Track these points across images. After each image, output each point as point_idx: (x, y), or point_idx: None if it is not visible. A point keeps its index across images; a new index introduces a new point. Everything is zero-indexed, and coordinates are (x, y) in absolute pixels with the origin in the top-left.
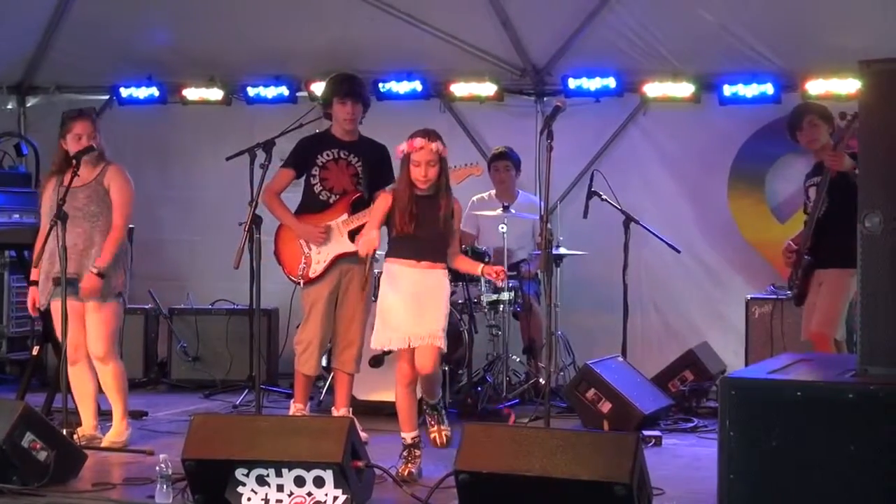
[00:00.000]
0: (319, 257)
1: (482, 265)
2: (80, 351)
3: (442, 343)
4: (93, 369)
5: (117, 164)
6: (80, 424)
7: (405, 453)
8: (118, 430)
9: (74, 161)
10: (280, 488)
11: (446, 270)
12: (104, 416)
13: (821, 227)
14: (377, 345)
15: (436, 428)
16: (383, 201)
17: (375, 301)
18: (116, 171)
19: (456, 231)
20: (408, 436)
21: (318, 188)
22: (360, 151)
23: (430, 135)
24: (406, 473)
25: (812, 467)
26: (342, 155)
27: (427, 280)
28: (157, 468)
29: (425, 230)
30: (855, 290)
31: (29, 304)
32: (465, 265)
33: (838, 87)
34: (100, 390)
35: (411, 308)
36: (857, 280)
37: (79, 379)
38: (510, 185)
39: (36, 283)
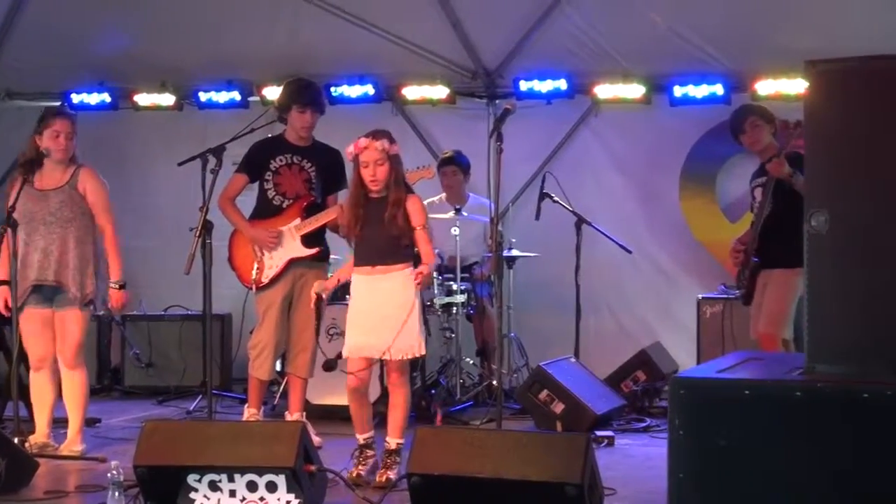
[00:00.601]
0: (272, 262)
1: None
2: (47, 359)
3: (411, 352)
4: (54, 380)
5: (89, 166)
6: (32, 432)
7: (357, 453)
8: (75, 440)
9: (22, 168)
10: (233, 493)
11: (408, 269)
12: (57, 423)
13: (766, 228)
14: (344, 352)
15: (384, 471)
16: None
17: (330, 305)
18: (89, 173)
19: (418, 228)
20: (360, 437)
21: (271, 193)
22: (314, 156)
23: (376, 134)
24: (355, 475)
25: (761, 465)
26: (295, 160)
27: (385, 285)
28: (109, 475)
29: (373, 232)
30: (802, 290)
31: (0, 305)
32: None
33: (787, 88)
34: (59, 398)
35: (373, 318)
36: (803, 279)
37: (41, 387)
38: (458, 190)
39: (5, 282)
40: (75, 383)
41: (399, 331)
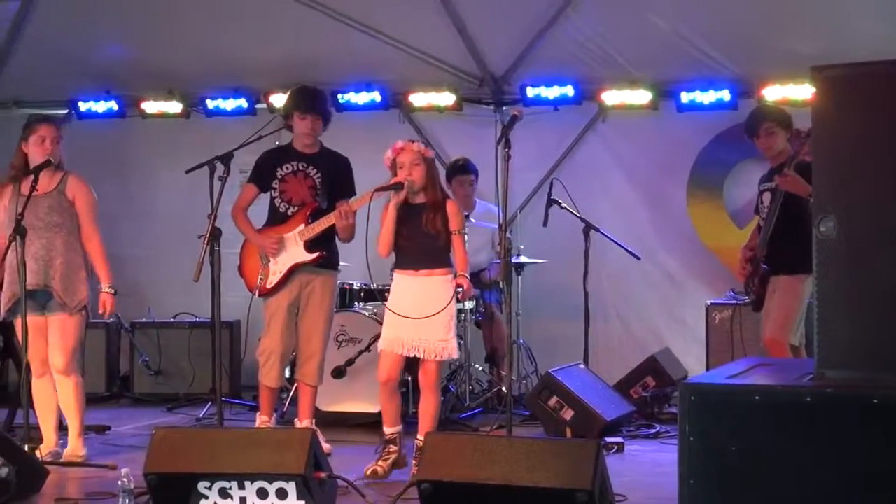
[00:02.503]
0: (276, 268)
1: (462, 275)
2: (47, 365)
3: (444, 353)
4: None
5: (76, 173)
6: (41, 441)
7: (381, 448)
8: (76, 446)
9: (34, 175)
10: (243, 501)
11: (449, 276)
12: (63, 430)
13: (774, 233)
14: (380, 346)
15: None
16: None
17: (338, 313)
18: (77, 180)
19: (454, 233)
20: (386, 430)
21: (278, 201)
22: (320, 163)
23: (413, 140)
24: (369, 472)
25: (771, 471)
26: (301, 167)
27: (426, 287)
28: (119, 482)
29: (414, 238)
30: (809, 295)
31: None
32: (458, 265)
33: (794, 93)
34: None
35: (411, 315)
36: (812, 284)
37: (44, 392)
38: (470, 198)
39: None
40: (69, 390)
41: (435, 332)
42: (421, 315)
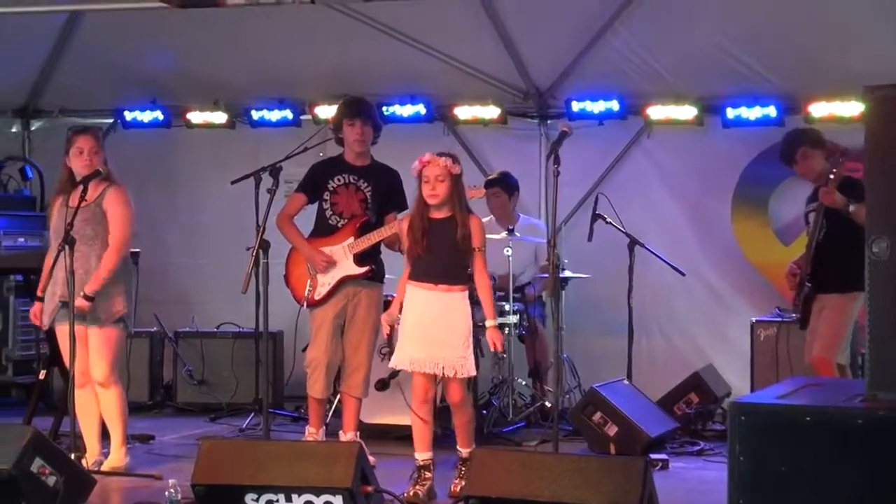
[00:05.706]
0: (325, 279)
1: (492, 325)
2: (88, 375)
3: (463, 370)
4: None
5: (118, 187)
6: (87, 450)
7: (415, 475)
8: (118, 457)
9: (82, 185)
10: None
11: (466, 293)
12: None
13: (820, 252)
14: (394, 363)
15: (458, 481)
16: (400, 226)
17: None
18: (115, 193)
19: (476, 250)
20: (419, 457)
21: (328, 213)
22: (371, 176)
23: (443, 154)
24: (411, 494)
25: (821, 492)
26: (352, 180)
27: (444, 303)
28: (167, 493)
29: (436, 251)
30: (857, 314)
31: (31, 317)
32: (483, 302)
33: (841, 110)
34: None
35: (429, 332)
36: (864, 304)
37: (86, 402)
38: (504, 210)
39: (42, 298)
40: (110, 401)
41: (454, 350)
42: (443, 331)
